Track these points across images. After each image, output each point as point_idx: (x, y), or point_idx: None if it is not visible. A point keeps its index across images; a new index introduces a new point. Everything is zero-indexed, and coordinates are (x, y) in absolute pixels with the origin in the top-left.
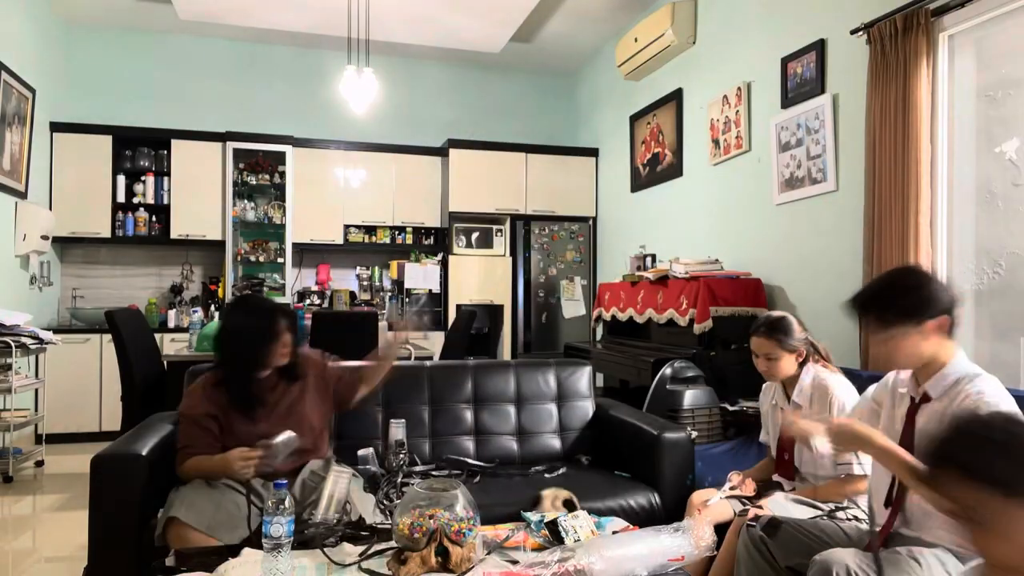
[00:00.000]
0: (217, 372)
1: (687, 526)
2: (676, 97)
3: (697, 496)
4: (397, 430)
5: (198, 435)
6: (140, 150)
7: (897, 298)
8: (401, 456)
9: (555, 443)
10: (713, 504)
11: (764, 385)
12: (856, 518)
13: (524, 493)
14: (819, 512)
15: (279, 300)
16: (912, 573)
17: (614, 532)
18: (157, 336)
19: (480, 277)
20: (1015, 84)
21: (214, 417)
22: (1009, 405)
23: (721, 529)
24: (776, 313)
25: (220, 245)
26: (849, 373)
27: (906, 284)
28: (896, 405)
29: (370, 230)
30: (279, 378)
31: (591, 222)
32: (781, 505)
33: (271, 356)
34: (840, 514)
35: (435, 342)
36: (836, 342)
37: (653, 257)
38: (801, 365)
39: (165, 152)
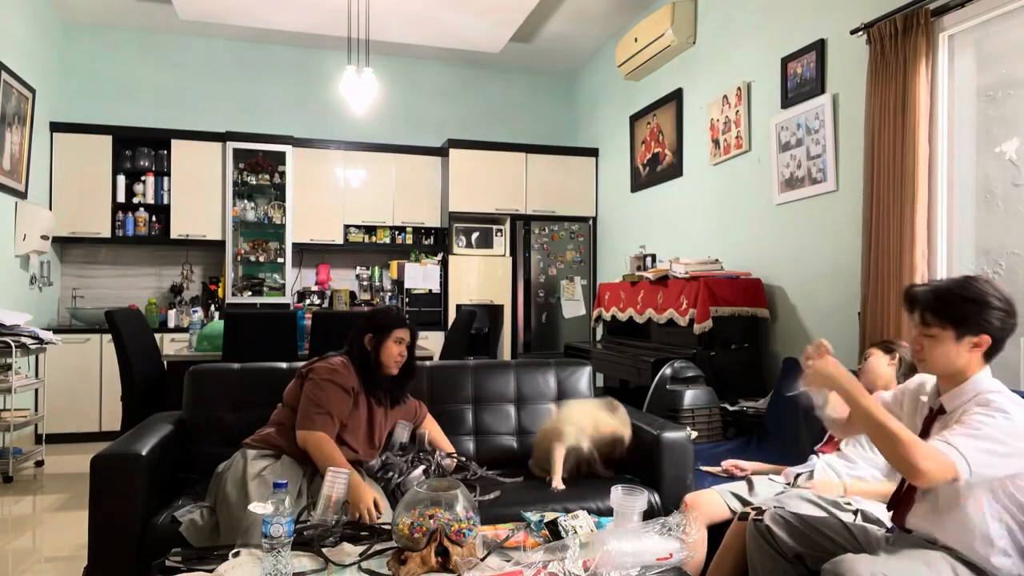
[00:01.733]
0: (347, 358)
1: (675, 523)
2: (676, 97)
3: (691, 497)
4: (402, 431)
5: (339, 402)
6: (140, 150)
7: (947, 303)
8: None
9: None
10: (705, 501)
11: (914, 379)
12: (862, 514)
13: (524, 493)
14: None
15: (279, 300)
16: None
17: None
18: (157, 336)
19: (480, 277)
20: (1015, 84)
21: (351, 394)
22: (1021, 421)
23: (719, 529)
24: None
25: (220, 245)
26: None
27: (963, 294)
28: (916, 412)
29: (370, 230)
30: (389, 392)
31: (591, 222)
32: (791, 501)
33: (387, 353)
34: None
35: (435, 342)
36: (836, 342)
37: (653, 257)
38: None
39: (165, 152)
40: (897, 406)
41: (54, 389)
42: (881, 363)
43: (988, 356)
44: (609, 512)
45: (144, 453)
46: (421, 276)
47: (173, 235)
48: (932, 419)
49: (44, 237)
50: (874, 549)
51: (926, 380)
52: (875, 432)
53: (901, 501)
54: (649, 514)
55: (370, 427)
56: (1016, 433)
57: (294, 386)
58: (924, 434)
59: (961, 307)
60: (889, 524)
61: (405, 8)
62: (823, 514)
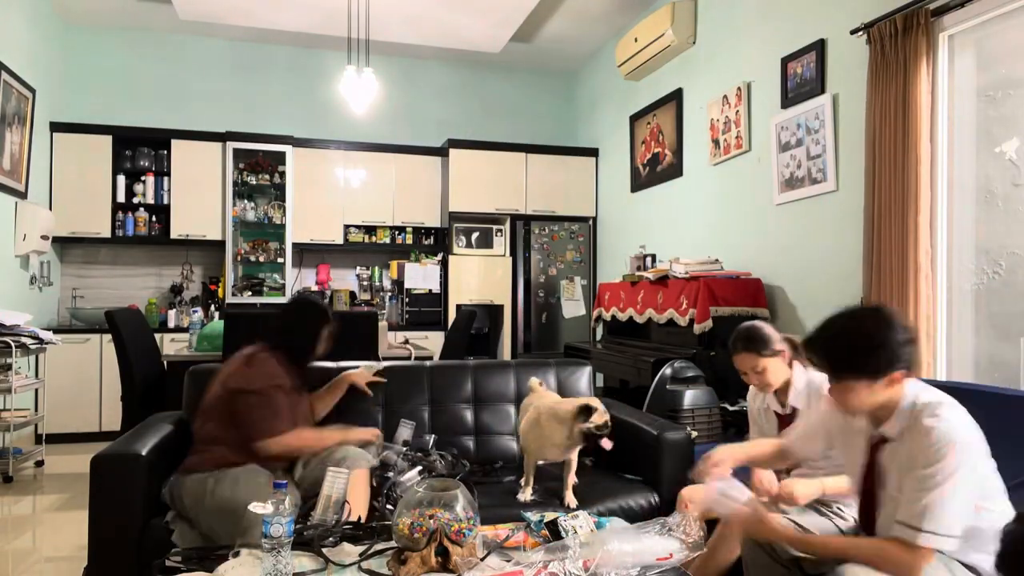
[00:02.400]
0: (278, 352)
1: (675, 523)
2: (676, 97)
3: (687, 491)
4: (404, 430)
5: (284, 408)
6: (140, 150)
7: (852, 354)
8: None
9: None
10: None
11: (751, 389)
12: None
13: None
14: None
15: (279, 300)
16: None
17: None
18: (157, 336)
19: (480, 277)
20: (1015, 84)
21: (289, 392)
22: (963, 432)
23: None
24: (744, 325)
25: (220, 245)
26: None
27: (868, 344)
28: (850, 444)
29: (370, 230)
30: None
31: (591, 222)
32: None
33: (319, 345)
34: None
35: (435, 342)
36: None
37: (653, 257)
38: (790, 366)
39: (165, 152)
40: (824, 437)
41: (54, 389)
42: (777, 368)
43: (904, 379)
44: (610, 513)
45: (144, 453)
46: (421, 276)
47: (173, 235)
48: (877, 448)
49: (44, 237)
50: None
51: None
52: (842, 556)
53: (868, 511)
54: (649, 514)
55: (300, 413)
56: (964, 448)
57: (221, 396)
58: (871, 465)
59: (870, 357)
60: None
61: (405, 8)
62: (821, 519)
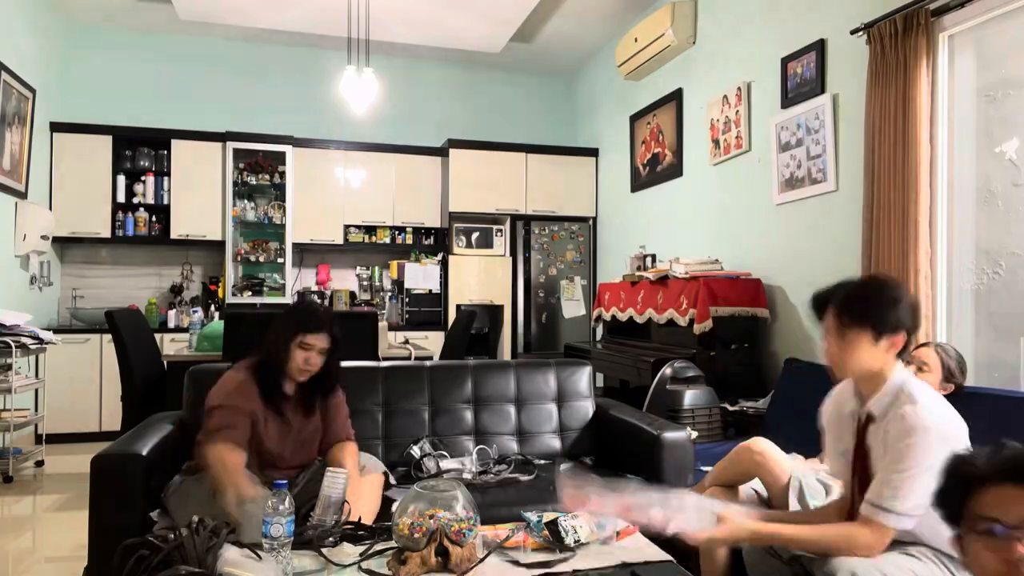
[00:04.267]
0: (246, 365)
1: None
2: (676, 97)
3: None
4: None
5: (235, 426)
6: (140, 150)
7: (864, 304)
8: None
9: (555, 443)
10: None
11: (833, 391)
12: None
13: (524, 493)
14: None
15: (279, 300)
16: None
17: (616, 533)
18: (157, 336)
19: (480, 277)
20: (1015, 84)
21: (249, 412)
22: (940, 421)
23: None
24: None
25: (220, 245)
26: None
27: (878, 295)
28: (841, 422)
29: (370, 230)
30: (303, 400)
31: (591, 222)
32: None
33: (291, 360)
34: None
35: (435, 342)
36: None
37: (653, 257)
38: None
39: (165, 152)
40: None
41: (54, 389)
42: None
43: (901, 353)
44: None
45: (144, 453)
46: (421, 276)
47: (173, 235)
48: (865, 428)
49: (44, 237)
50: None
51: (844, 392)
52: (807, 548)
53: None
54: None
55: (283, 440)
56: (940, 437)
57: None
58: (859, 448)
59: (878, 308)
60: None
61: (405, 8)
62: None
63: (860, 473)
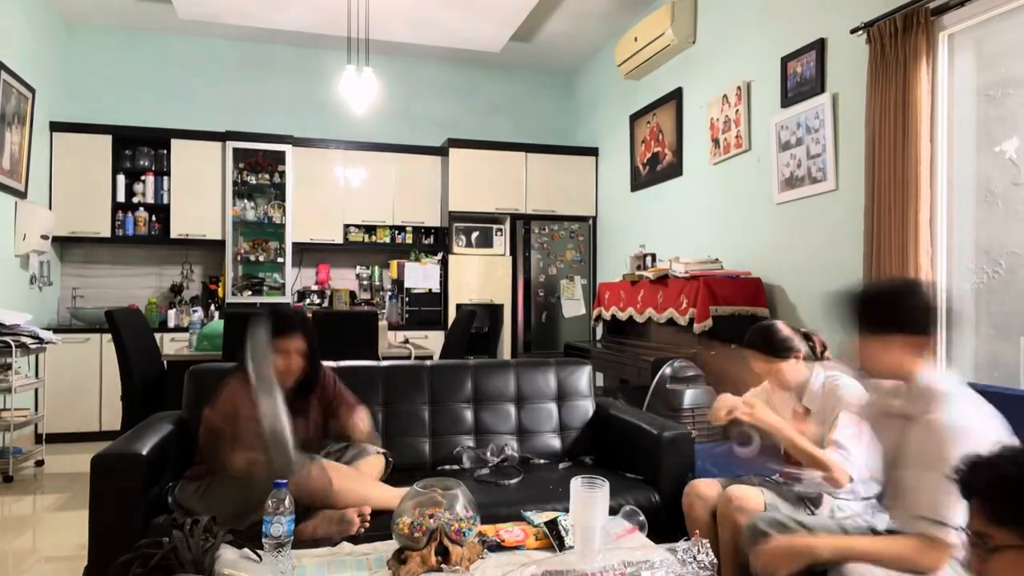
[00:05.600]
0: (238, 376)
1: (683, 548)
2: (676, 96)
3: (735, 491)
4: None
5: (236, 436)
6: (140, 150)
7: (894, 307)
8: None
9: (555, 442)
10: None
11: (754, 390)
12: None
13: (524, 493)
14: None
15: (279, 300)
16: None
17: (615, 534)
18: (157, 336)
19: (480, 277)
20: (1015, 84)
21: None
22: (976, 424)
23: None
24: (760, 325)
25: (220, 245)
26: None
27: (907, 298)
28: (885, 419)
29: (370, 230)
30: (292, 404)
31: (591, 222)
32: (771, 504)
33: (276, 362)
34: (839, 514)
35: (435, 342)
36: (836, 343)
37: (653, 256)
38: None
39: (165, 152)
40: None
41: (54, 389)
42: (793, 368)
43: (924, 354)
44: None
45: (144, 453)
46: (421, 276)
47: (173, 235)
48: (902, 428)
49: (44, 237)
50: None
51: (887, 390)
52: (878, 561)
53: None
54: (649, 512)
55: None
56: (977, 440)
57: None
58: (895, 447)
59: (902, 310)
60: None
61: (405, 8)
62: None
63: (894, 474)
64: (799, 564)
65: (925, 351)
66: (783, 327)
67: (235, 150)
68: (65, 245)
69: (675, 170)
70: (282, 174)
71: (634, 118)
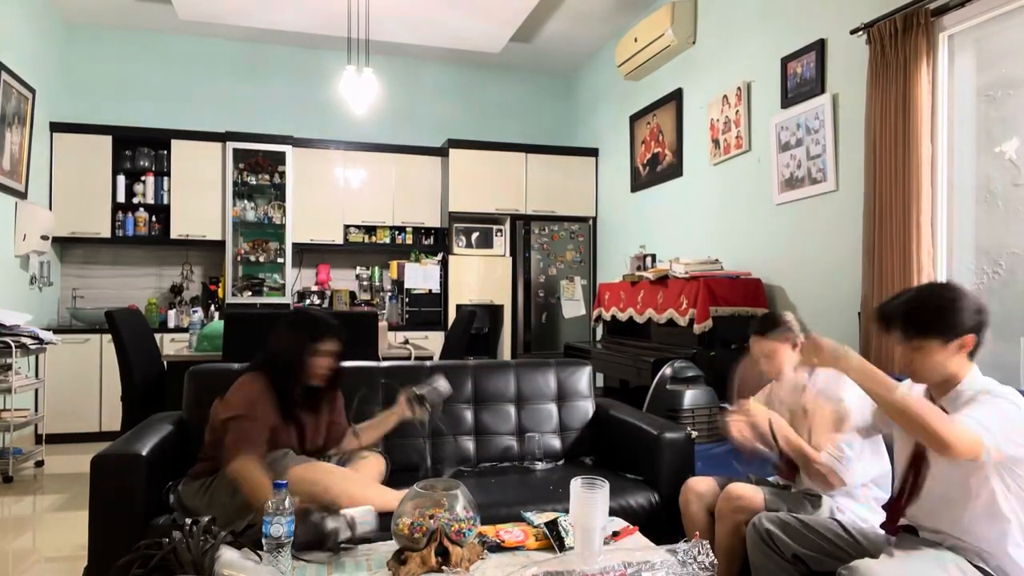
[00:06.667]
0: (263, 374)
1: (683, 549)
2: (676, 97)
3: (736, 488)
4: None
5: (254, 436)
6: (140, 150)
7: (926, 314)
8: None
9: (555, 443)
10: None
11: (758, 395)
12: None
13: (524, 493)
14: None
15: (279, 300)
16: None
17: (615, 533)
18: (157, 336)
19: (480, 277)
20: (1015, 84)
21: (268, 424)
22: (1016, 400)
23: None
24: (762, 312)
25: (220, 245)
26: None
27: (938, 303)
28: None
29: (370, 230)
30: (309, 400)
31: (591, 222)
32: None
33: (309, 370)
34: (839, 515)
35: (435, 342)
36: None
37: (653, 257)
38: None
39: (165, 152)
40: (884, 422)
41: (54, 389)
42: (788, 355)
43: (972, 355)
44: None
45: (144, 453)
46: (421, 276)
47: (173, 235)
48: None
49: (44, 237)
50: (879, 551)
51: (914, 388)
52: (899, 414)
53: (908, 495)
54: (649, 513)
55: (301, 436)
56: (1016, 403)
57: (211, 416)
58: (920, 455)
59: (940, 315)
60: (869, 524)
61: (405, 8)
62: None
63: (910, 480)
64: (834, 362)
65: (968, 351)
66: (787, 314)
67: (235, 150)
68: (65, 245)
69: (675, 171)
70: (282, 174)
71: (634, 119)
